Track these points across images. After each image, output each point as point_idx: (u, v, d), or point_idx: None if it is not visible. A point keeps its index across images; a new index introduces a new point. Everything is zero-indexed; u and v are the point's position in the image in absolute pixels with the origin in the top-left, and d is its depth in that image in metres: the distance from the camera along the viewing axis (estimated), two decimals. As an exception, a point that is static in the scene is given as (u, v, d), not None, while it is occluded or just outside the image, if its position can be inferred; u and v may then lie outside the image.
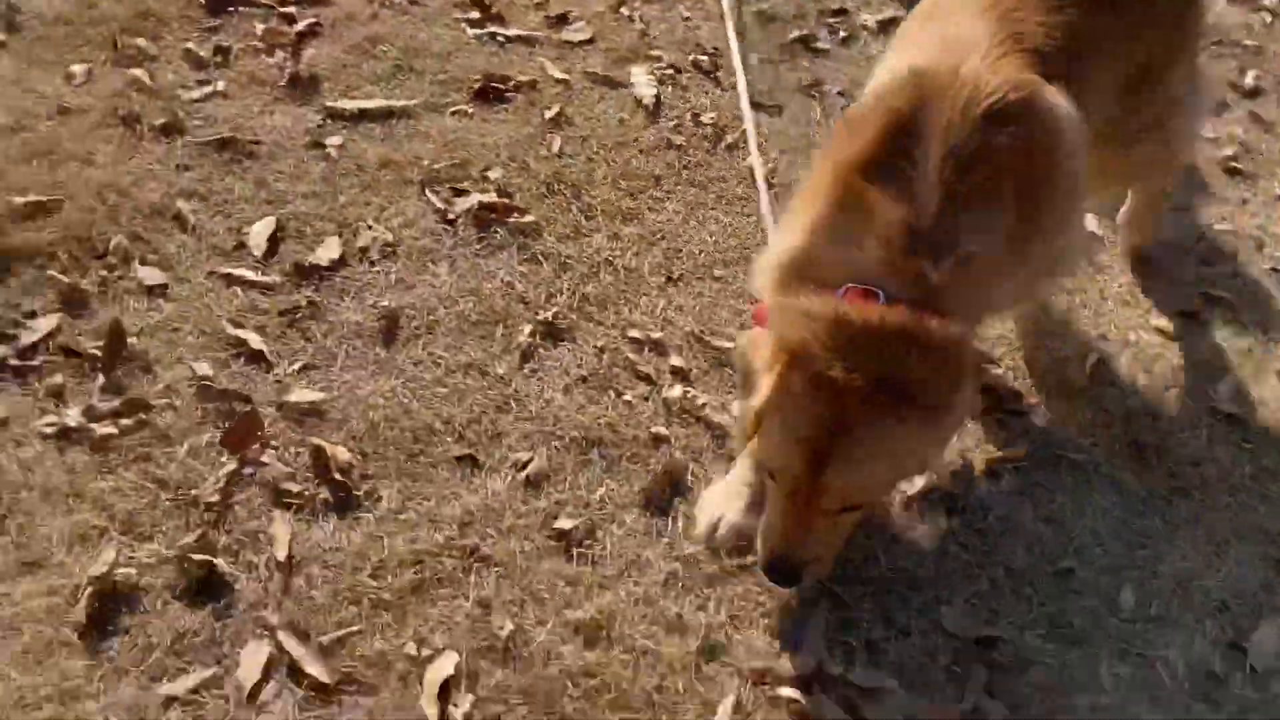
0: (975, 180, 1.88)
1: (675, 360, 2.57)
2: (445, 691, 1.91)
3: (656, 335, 2.62)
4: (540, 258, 2.78)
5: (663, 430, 2.41)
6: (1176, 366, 2.82)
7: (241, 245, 2.69)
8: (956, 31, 2.11)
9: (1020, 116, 1.95)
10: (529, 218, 2.85)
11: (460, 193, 2.90)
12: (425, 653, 1.97)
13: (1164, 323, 2.94)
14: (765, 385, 1.81)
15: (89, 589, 1.97)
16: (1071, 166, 2.08)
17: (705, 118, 3.26)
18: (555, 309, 2.64)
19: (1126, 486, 2.50)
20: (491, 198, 2.88)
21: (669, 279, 2.79)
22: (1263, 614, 2.28)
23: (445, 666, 1.94)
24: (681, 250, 2.87)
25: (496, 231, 2.82)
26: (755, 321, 2.05)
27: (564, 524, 2.20)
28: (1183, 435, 2.64)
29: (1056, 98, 2.04)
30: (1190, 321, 2.95)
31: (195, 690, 1.88)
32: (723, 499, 2.18)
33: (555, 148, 3.08)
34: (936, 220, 1.85)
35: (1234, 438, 2.65)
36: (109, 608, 1.97)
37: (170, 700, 1.86)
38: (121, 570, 2.01)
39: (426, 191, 2.90)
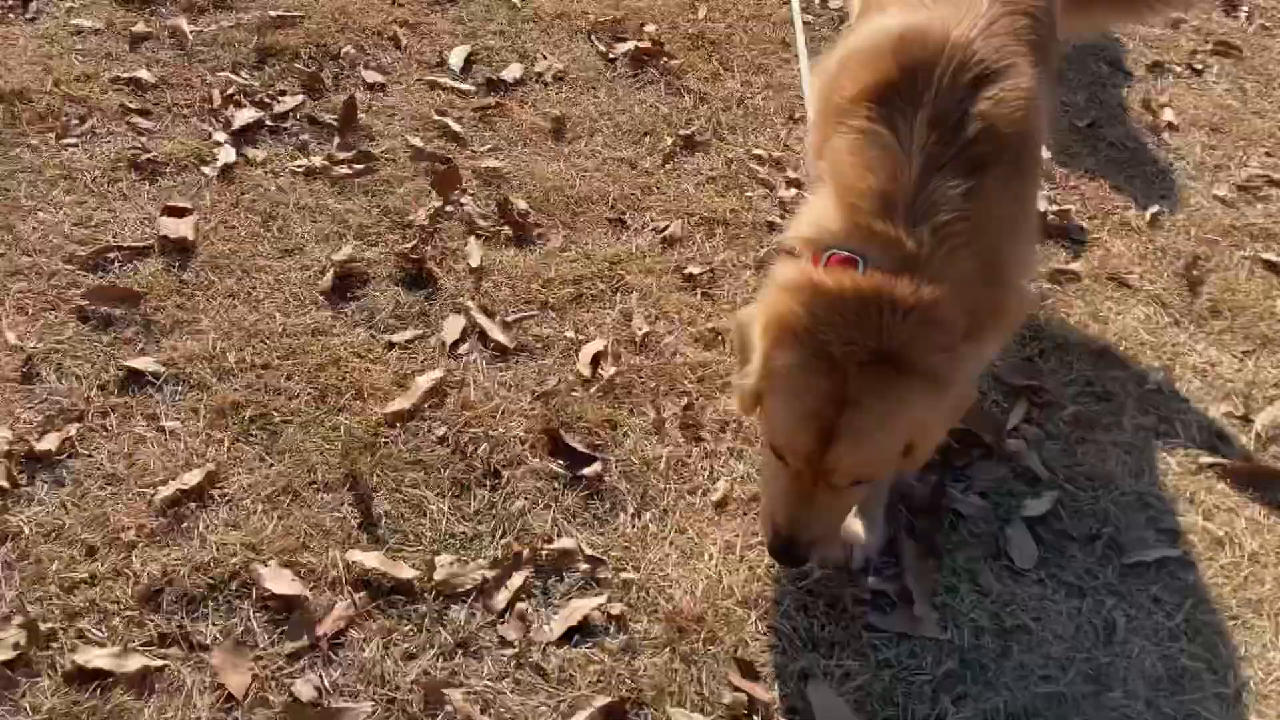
0: (956, 149, 1.86)
1: (790, 173, 3.09)
2: (595, 361, 2.47)
3: (777, 155, 3.15)
4: (683, 92, 3.33)
5: (777, 219, 2.93)
6: (1227, 225, 3.22)
7: (443, 63, 3.31)
8: None
9: (1003, 86, 1.93)
10: (676, 62, 3.41)
11: (620, 39, 3.48)
12: (581, 337, 2.53)
13: (1223, 192, 3.35)
14: (757, 361, 1.81)
15: (332, 269, 2.58)
16: (1039, 141, 2.10)
17: (834, 2, 3.77)
18: (694, 129, 3.19)
19: (1168, 303, 2.93)
20: (646, 45, 3.45)
21: (790, 118, 3.31)
22: (1274, 402, 2.69)
23: (596, 345, 2.50)
24: (803, 99, 3.38)
25: (649, 70, 3.39)
26: None
27: (692, 270, 2.74)
28: (1225, 275, 3.05)
29: (1035, 73, 2.04)
30: (1247, 194, 3.36)
31: (410, 341, 2.48)
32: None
33: (701, 14, 3.63)
34: (915, 188, 1.82)
35: (1271, 280, 3.05)
36: (347, 283, 2.58)
37: (391, 345, 2.46)
38: (356, 261, 2.62)
39: (592, 37, 3.48)
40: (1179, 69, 3.95)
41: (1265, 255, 3.12)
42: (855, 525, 2.18)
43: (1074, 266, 2.99)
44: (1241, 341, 2.86)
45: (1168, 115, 3.66)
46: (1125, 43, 4.04)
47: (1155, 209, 3.22)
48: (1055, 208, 3.15)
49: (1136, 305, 2.91)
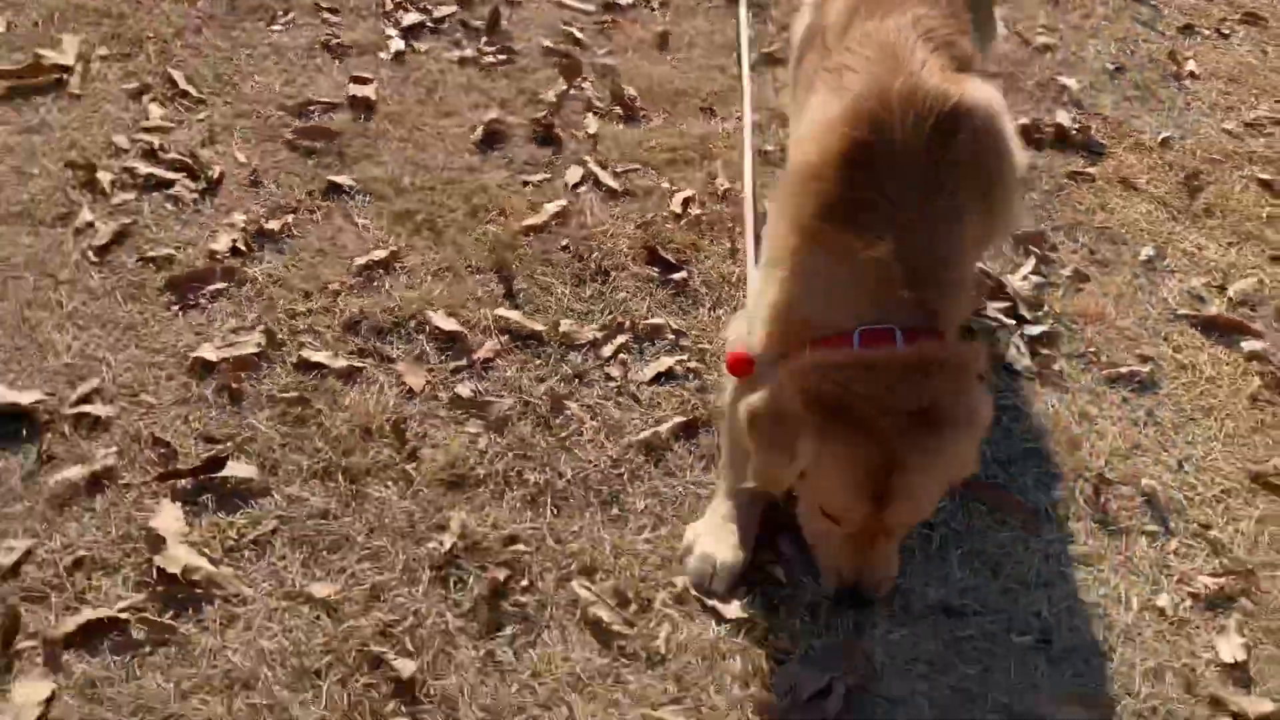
0: (943, 197, 1.96)
1: (853, 86, 3.71)
2: (685, 204, 3.11)
3: (842, 72, 3.77)
4: (768, 20, 3.98)
5: (839, 119, 3.54)
6: (1230, 150, 3.76)
7: (572, -13, 4.01)
8: (880, 41, 2.15)
9: (964, 121, 2.02)
10: (762, -2, 4.07)
11: (716, -21, 4.14)
12: (674, 188, 3.18)
13: (1231, 126, 3.88)
14: (807, 443, 1.88)
15: (481, 126, 3.27)
16: (1010, 147, 2.20)
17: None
18: (774, 48, 3.83)
19: (1168, 204, 3.48)
20: (738, -16, 4.10)
21: (856, 47, 3.93)
22: (1247, 277, 3.22)
23: (686, 193, 3.14)
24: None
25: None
26: (731, 370, 2.16)
27: (766, 148, 3.37)
28: (1222, 186, 3.58)
29: (983, 89, 2.15)
30: (1253, 129, 3.89)
31: (540, 181, 3.14)
32: (711, 540, 2.19)
33: (785, -37, 4.28)
34: (922, 247, 1.91)
35: (1263, 194, 3.58)
36: (492, 139, 3.26)
37: (526, 182, 3.13)
38: (500, 123, 3.30)
39: (693, -23, 4.15)
40: (1207, 32, 4.48)
41: (1261, 175, 3.65)
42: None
43: (1089, 170, 3.55)
44: (1229, 235, 3.40)
45: (1190, 66, 4.20)
46: (1160, 8, 4.58)
47: (1167, 134, 3.77)
48: (1077, 125, 3.71)
49: (1141, 203, 3.47)
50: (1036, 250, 3.18)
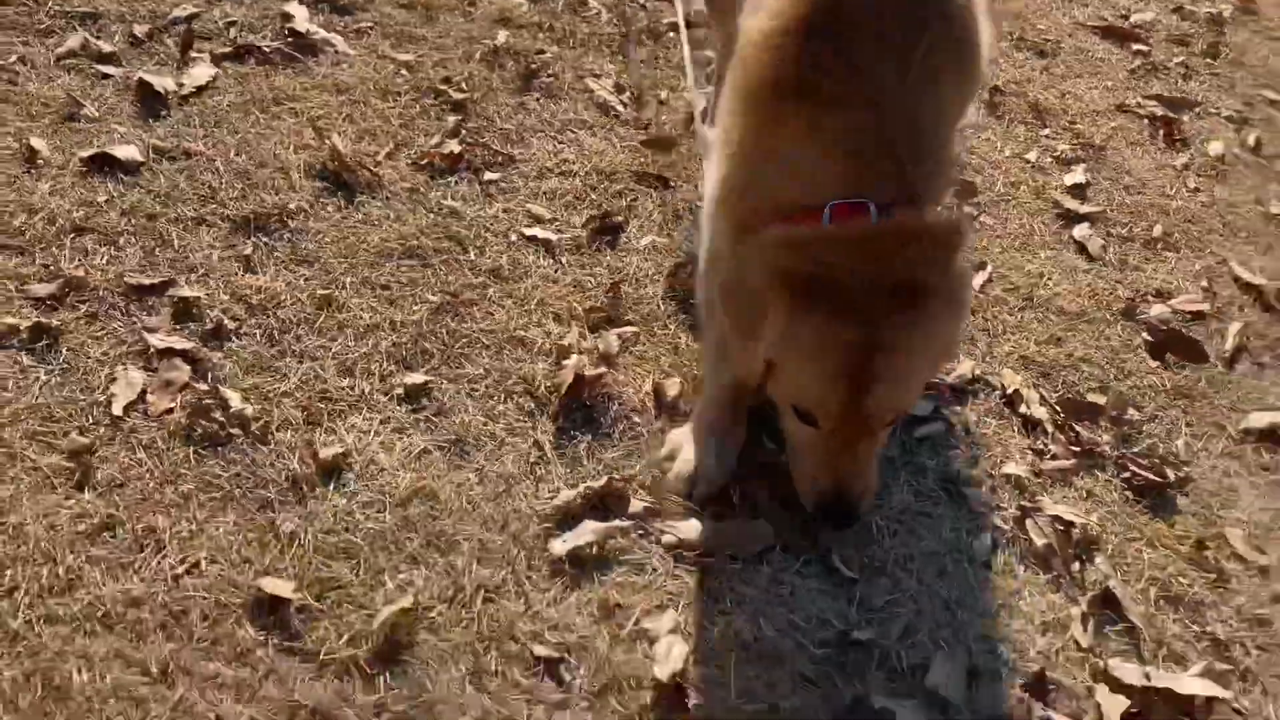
0: (916, 64, 1.74)
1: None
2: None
3: None
4: None
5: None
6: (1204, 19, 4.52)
7: None
8: None
9: None
10: None
11: None
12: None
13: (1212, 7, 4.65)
14: (775, 326, 1.70)
15: None
16: (978, 21, 1.96)
17: None
18: None
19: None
20: None
21: None
22: (1148, 12, 3.98)
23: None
24: None
25: None
26: None
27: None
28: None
29: None
30: (1213, 26, 4.66)
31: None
32: (694, 448, 2.04)
33: None
34: (898, 117, 1.73)
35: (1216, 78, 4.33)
36: None
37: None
38: None
39: None
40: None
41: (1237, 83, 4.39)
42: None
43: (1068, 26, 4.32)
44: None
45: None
46: None
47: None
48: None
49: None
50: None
